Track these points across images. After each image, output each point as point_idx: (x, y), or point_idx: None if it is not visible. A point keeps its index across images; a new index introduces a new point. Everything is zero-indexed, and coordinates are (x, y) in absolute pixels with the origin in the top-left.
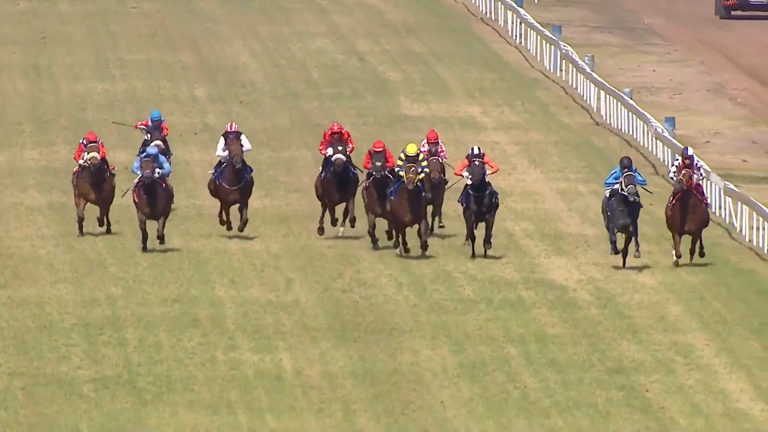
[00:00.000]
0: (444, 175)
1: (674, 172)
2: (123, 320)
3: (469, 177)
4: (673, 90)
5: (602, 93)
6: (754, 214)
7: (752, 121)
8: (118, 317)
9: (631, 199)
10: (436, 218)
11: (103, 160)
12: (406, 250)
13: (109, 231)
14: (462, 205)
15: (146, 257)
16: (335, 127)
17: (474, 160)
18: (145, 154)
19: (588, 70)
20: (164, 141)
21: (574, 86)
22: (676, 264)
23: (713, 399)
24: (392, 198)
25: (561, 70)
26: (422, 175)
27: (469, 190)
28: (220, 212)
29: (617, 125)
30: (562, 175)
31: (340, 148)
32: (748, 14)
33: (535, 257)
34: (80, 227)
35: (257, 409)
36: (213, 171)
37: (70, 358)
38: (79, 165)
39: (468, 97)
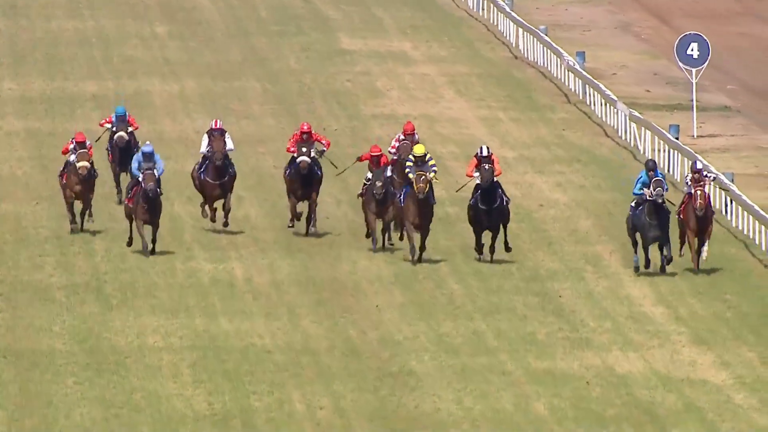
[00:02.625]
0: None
1: (688, 184)
2: (91, 233)
3: (480, 179)
4: (584, 27)
5: (520, 30)
6: (656, 138)
7: (654, 55)
8: (86, 230)
9: (660, 201)
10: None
11: (91, 162)
12: (414, 255)
13: (91, 222)
14: (471, 210)
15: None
16: (305, 127)
17: (484, 165)
18: (141, 154)
19: (507, 9)
20: (132, 135)
21: (496, 24)
22: (694, 262)
23: (619, 303)
24: (401, 204)
25: (483, 9)
26: (432, 175)
27: (480, 204)
28: (203, 203)
29: (534, 59)
30: (485, 104)
31: (304, 149)
32: None
33: (459, 178)
34: (72, 221)
35: (212, 313)
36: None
37: (44, 267)
38: (66, 165)
39: (400, 33)
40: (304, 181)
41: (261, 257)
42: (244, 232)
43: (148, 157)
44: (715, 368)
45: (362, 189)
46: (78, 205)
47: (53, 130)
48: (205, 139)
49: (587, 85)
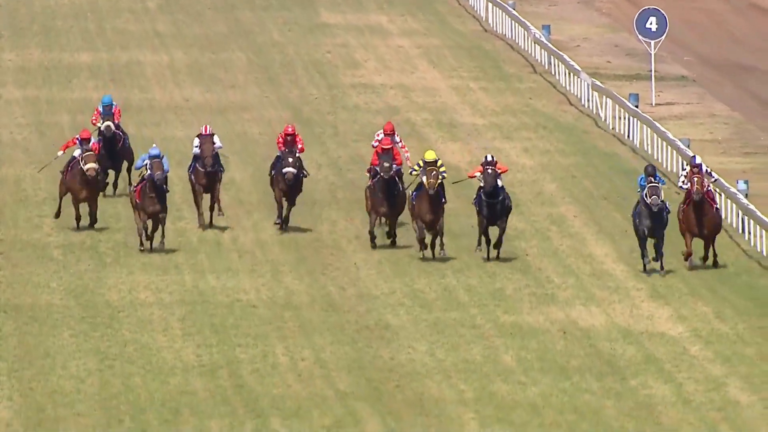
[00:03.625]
0: (397, 165)
1: (683, 180)
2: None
3: (482, 183)
4: (549, 2)
5: (489, 5)
6: (617, 106)
7: (615, 28)
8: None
9: (654, 210)
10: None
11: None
12: (425, 247)
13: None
14: (476, 207)
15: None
16: (289, 129)
17: (487, 168)
18: (149, 155)
19: None
20: (119, 126)
21: None
22: (689, 262)
23: (582, 261)
24: (413, 202)
25: None
26: (441, 179)
27: (483, 197)
28: (195, 198)
29: (502, 31)
30: (456, 74)
31: (290, 160)
32: None
33: (433, 143)
34: (78, 222)
35: (200, 270)
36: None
37: (42, 227)
38: (70, 162)
39: (377, 8)
40: (288, 187)
41: (246, 218)
42: (230, 193)
43: (155, 159)
44: (672, 322)
45: (370, 182)
46: (84, 207)
47: (51, 98)
48: (196, 141)
49: (552, 57)
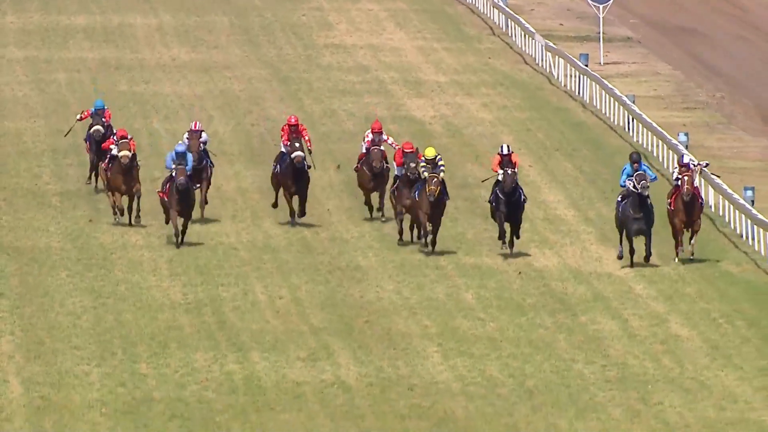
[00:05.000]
0: (387, 164)
1: (677, 177)
2: (82, 148)
3: (503, 183)
4: None
5: None
6: (568, 65)
7: None
8: (79, 145)
9: (645, 194)
10: (375, 210)
11: (133, 155)
12: (427, 240)
13: (137, 217)
14: (491, 205)
15: (103, 100)
16: (292, 120)
17: (507, 169)
18: (174, 153)
19: None
20: (110, 127)
21: None
22: (678, 253)
23: (537, 208)
24: (416, 199)
25: None
26: (442, 175)
27: (499, 194)
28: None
29: None
30: (421, 36)
31: (297, 144)
32: None
33: (399, 99)
34: (116, 213)
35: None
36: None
37: (41, 176)
38: (109, 158)
39: None
40: (295, 178)
41: (228, 167)
42: (212, 145)
43: (181, 156)
44: (619, 263)
45: (394, 185)
46: (125, 200)
47: (49, 58)
48: (186, 136)
49: (509, 20)
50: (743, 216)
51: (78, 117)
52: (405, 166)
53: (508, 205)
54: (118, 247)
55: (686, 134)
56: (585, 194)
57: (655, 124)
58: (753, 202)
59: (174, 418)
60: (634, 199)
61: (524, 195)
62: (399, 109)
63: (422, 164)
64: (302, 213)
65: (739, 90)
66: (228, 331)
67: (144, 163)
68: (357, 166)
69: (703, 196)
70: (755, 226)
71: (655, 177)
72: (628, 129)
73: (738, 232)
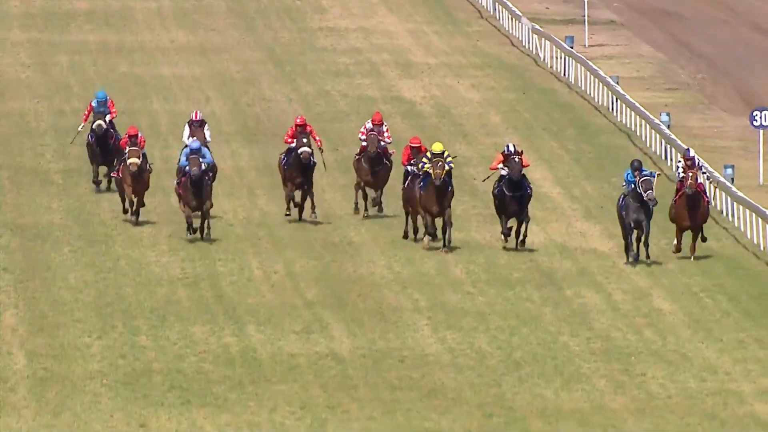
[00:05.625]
0: (384, 151)
1: (681, 174)
2: (84, 128)
3: (509, 172)
4: None
5: None
6: (554, 47)
7: None
8: (80, 124)
9: (651, 206)
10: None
11: (143, 155)
12: (434, 238)
13: (143, 205)
14: (495, 199)
15: (104, 81)
16: (298, 120)
17: (514, 157)
18: (189, 149)
19: None
20: (112, 124)
21: None
22: (677, 252)
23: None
24: (421, 192)
25: None
26: (447, 167)
27: (506, 190)
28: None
29: None
30: (412, 19)
31: (305, 140)
32: None
33: (391, 80)
34: (125, 210)
35: None
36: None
37: (44, 155)
38: (121, 160)
39: None
40: (301, 170)
41: (225, 146)
42: (210, 124)
43: (196, 151)
44: (603, 239)
45: (403, 185)
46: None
47: (51, 41)
48: (187, 130)
49: (497, 3)
50: (723, 193)
51: (80, 127)
52: (413, 162)
53: (514, 199)
54: (119, 223)
55: (668, 114)
56: (570, 172)
57: (638, 104)
58: (733, 179)
59: (173, 388)
60: (634, 194)
61: (530, 188)
62: (390, 90)
63: (425, 159)
64: (311, 200)
65: (720, 72)
66: (225, 305)
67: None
68: (356, 160)
69: (709, 197)
70: (735, 203)
71: (655, 174)
72: (612, 109)
73: (719, 208)
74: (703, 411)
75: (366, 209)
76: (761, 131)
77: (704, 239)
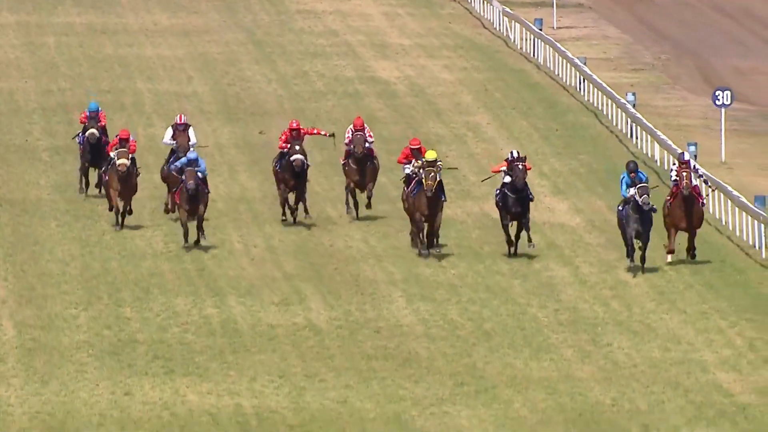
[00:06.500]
0: (369, 152)
1: (675, 176)
2: (71, 106)
3: (513, 179)
4: None
5: None
6: (523, 29)
7: None
8: (67, 103)
9: (646, 209)
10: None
11: (132, 159)
12: (426, 245)
13: (130, 213)
14: (498, 205)
15: (90, 62)
16: (293, 124)
17: (517, 164)
18: (186, 160)
19: None
20: (104, 130)
21: None
22: (671, 257)
23: (494, 162)
24: (413, 199)
25: None
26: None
27: (507, 192)
28: (168, 195)
29: None
30: (386, 1)
31: (297, 147)
32: None
33: (366, 61)
34: (115, 221)
35: None
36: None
37: (32, 133)
38: (109, 162)
39: None
40: (294, 174)
41: (206, 124)
42: (192, 103)
43: (194, 162)
44: (571, 214)
45: (404, 191)
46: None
47: (39, 22)
48: (169, 132)
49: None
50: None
51: (75, 137)
52: (411, 165)
53: (516, 202)
54: (104, 198)
55: (634, 94)
56: (539, 150)
57: (604, 84)
58: (696, 156)
59: (156, 358)
60: (635, 204)
61: (532, 194)
62: (366, 71)
63: (417, 164)
64: (303, 205)
65: (684, 53)
66: (207, 278)
67: (127, 121)
68: (343, 162)
69: (704, 199)
70: (697, 180)
71: (647, 177)
72: (580, 89)
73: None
74: (666, 379)
75: (356, 212)
76: (723, 110)
77: (694, 256)
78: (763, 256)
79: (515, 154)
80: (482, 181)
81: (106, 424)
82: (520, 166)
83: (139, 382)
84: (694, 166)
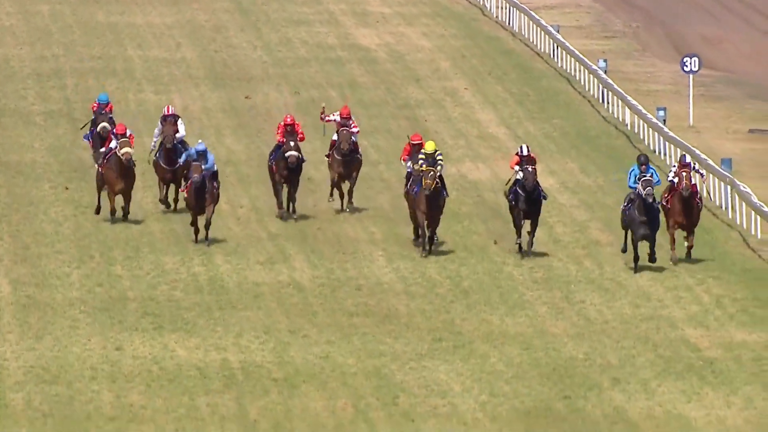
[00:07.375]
0: (354, 147)
1: (674, 176)
2: (64, 72)
3: (524, 181)
4: None
5: None
6: (518, 12)
7: None
8: (60, 69)
9: (649, 200)
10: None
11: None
12: (425, 245)
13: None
14: (510, 202)
15: (82, 29)
16: (288, 119)
17: (528, 167)
18: (194, 152)
19: None
20: (112, 120)
21: None
22: (672, 258)
23: (471, 126)
24: (414, 196)
25: None
26: (439, 168)
27: (519, 190)
28: (159, 188)
29: None
30: None
31: (293, 143)
32: None
33: (348, 28)
34: (99, 210)
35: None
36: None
37: (26, 97)
38: (106, 154)
39: None
40: (288, 168)
41: (194, 89)
42: (181, 69)
43: (202, 154)
44: (545, 175)
45: (406, 186)
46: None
47: None
48: (159, 126)
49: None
50: (656, 133)
51: (83, 126)
52: (412, 162)
53: (528, 202)
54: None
55: (605, 60)
56: (514, 114)
57: (577, 51)
58: (665, 121)
59: (146, 315)
60: (641, 204)
61: (544, 193)
62: (347, 38)
63: (421, 157)
64: (292, 204)
65: (653, 20)
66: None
67: (118, 86)
68: (328, 153)
69: (701, 198)
70: (666, 143)
71: (659, 181)
72: (553, 55)
73: (651, 147)
74: (637, 335)
75: (342, 203)
76: (691, 76)
77: (689, 255)
78: (729, 216)
79: (524, 151)
80: (506, 184)
81: (98, 378)
82: (530, 169)
83: (129, 337)
84: (695, 166)
